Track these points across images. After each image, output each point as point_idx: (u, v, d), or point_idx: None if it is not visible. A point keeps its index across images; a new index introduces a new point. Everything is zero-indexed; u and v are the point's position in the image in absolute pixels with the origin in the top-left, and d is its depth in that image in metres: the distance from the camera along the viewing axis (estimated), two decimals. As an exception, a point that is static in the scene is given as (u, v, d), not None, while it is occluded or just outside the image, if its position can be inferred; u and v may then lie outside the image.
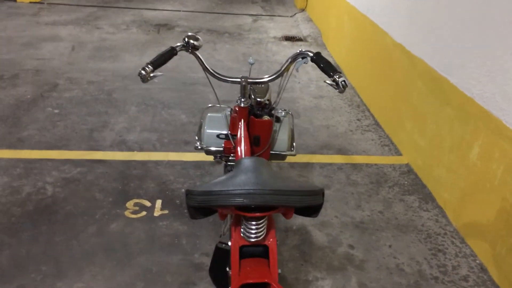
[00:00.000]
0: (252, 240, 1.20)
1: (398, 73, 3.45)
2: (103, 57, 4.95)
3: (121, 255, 2.23)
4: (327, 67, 1.52)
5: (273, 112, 1.81)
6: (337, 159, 3.26)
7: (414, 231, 2.57)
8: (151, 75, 1.50)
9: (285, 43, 5.91)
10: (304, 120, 3.78)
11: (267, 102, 1.80)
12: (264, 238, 1.21)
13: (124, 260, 2.20)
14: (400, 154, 3.38)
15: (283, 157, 1.93)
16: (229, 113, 1.92)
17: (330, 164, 3.18)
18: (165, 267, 2.18)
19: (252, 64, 1.75)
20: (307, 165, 3.14)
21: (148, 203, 2.62)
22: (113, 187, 2.74)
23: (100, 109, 3.75)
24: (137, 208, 2.58)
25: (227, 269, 1.64)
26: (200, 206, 1.10)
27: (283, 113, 1.91)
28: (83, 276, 2.10)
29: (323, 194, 1.12)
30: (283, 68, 1.68)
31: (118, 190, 2.72)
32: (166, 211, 2.56)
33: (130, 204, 2.61)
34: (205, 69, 1.68)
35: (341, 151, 3.38)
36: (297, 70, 1.68)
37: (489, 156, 2.30)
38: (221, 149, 1.88)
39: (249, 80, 1.70)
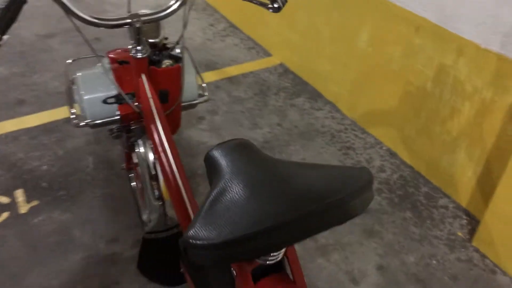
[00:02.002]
0: (271, 262, 0.83)
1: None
2: None
3: (1, 280, 1.64)
4: None
5: (173, 53, 1.33)
6: (209, 76, 2.88)
7: (317, 135, 2.44)
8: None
9: None
10: (154, 39, 3.21)
11: (164, 42, 1.31)
12: None
13: (8, 286, 1.63)
14: (270, 55, 3.14)
15: (194, 106, 1.50)
16: (108, 66, 1.37)
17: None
18: (69, 275, 1.67)
19: None
20: (181, 93, 2.70)
21: (5, 199, 1.96)
22: None
23: None
24: (-9, 210, 1.92)
25: (181, 270, 1.28)
26: (223, 264, 0.68)
27: (177, 49, 1.43)
28: (-44, 332, 1.50)
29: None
30: None
31: (-48, 194, 1.97)
32: (35, 202, 1.96)
33: (-21, 208, 1.92)
34: (71, 13, 1.09)
35: (209, 66, 2.99)
36: None
37: (382, 40, 2.18)
38: (116, 117, 1.36)
39: (143, 18, 1.17)
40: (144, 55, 1.23)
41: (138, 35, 1.19)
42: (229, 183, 0.75)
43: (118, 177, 2.11)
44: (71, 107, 1.41)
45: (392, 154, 2.31)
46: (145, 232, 1.45)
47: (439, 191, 2.09)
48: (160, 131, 1.25)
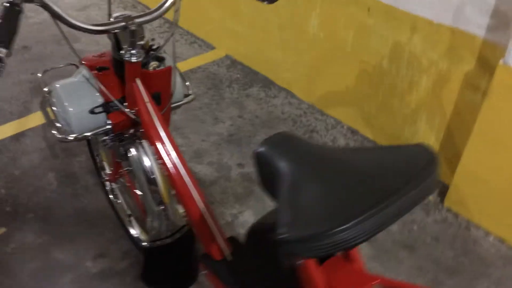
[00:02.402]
0: None
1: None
2: None
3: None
4: None
5: (159, 54, 1.28)
6: (158, 75, 2.80)
7: (279, 122, 2.48)
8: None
9: None
10: (88, 43, 3.05)
11: (151, 42, 1.26)
12: None
13: (-6, 325, 1.50)
14: (214, 48, 3.12)
15: (179, 106, 1.46)
16: (87, 73, 1.29)
17: (157, 84, 2.72)
18: (61, 300, 1.57)
19: None
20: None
21: (-34, 232, 1.78)
22: None
23: None
24: (-48, 245, 1.73)
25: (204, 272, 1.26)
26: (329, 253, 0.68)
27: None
28: None
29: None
30: None
31: None
32: (2, 230, 1.80)
33: None
34: (61, 19, 1.00)
35: (155, 65, 2.90)
36: None
37: (333, 24, 2.26)
38: (107, 127, 1.28)
39: (137, 20, 1.11)
40: (139, 59, 1.17)
41: (133, 38, 1.13)
42: (297, 177, 0.75)
43: (86, 190, 2.00)
44: (54, 121, 1.31)
45: (354, 132, 2.42)
46: (149, 241, 1.40)
47: (404, 161, 2.22)
48: (163, 135, 1.21)
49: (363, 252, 1.78)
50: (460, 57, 1.82)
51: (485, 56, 1.74)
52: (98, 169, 1.84)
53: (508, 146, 1.67)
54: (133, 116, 1.25)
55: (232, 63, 2.96)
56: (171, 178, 1.22)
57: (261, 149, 0.83)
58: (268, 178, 0.82)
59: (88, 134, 1.28)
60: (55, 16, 1.01)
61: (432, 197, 2.03)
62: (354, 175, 0.75)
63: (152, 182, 1.32)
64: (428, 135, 2.06)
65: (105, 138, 1.32)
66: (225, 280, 1.18)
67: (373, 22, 2.07)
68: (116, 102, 1.25)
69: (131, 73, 1.19)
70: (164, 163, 1.21)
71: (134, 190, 1.48)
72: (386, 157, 0.79)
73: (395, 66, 2.07)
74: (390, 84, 2.12)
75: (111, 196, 1.83)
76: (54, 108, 1.30)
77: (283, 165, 0.79)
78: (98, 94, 1.28)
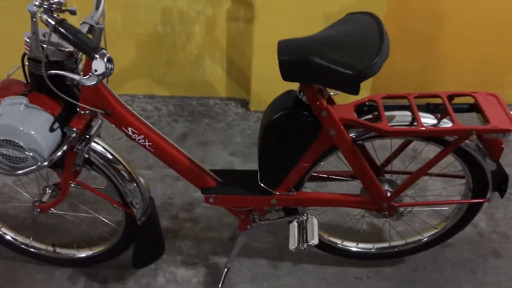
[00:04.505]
0: None
1: None
2: None
3: None
4: None
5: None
6: None
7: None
8: None
9: None
10: None
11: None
12: None
13: None
14: None
15: None
16: (18, 99, 1.26)
17: None
18: None
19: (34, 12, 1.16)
20: None
21: None
22: None
23: None
24: None
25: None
26: None
27: None
28: None
29: None
30: None
31: None
32: None
33: None
34: None
35: None
36: None
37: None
38: (73, 135, 1.29)
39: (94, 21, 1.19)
40: None
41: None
42: (319, 50, 1.21)
43: None
44: (11, 160, 1.25)
45: (152, 97, 2.75)
46: (138, 220, 1.51)
47: (204, 98, 2.75)
48: (136, 115, 1.38)
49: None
50: (218, 1, 2.42)
51: (236, -7, 2.40)
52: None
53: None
54: (102, 111, 1.33)
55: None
56: (156, 144, 1.41)
57: (282, 56, 1.24)
58: (295, 69, 1.25)
59: (60, 153, 1.28)
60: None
61: (240, 110, 2.67)
62: (348, 35, 1.27)
63: (116, 162, 1.44)
64: (215, 69, 2.64)
65: (78, 148, 1.33)
66: (240, 191, 1.50)
67: (137, -3, 2.41)
68: (82, 105, 1.28)
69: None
70: (146, 135, 1.38)
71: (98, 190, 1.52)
72: (351, 24, 1.33)
73: (169, 27, 2.50)
74: (170, 42, 2.55)
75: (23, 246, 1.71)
76: (9, 143, 1.23)
77: (303, 55, 1.22)
78: (43, 112, 1.28)
